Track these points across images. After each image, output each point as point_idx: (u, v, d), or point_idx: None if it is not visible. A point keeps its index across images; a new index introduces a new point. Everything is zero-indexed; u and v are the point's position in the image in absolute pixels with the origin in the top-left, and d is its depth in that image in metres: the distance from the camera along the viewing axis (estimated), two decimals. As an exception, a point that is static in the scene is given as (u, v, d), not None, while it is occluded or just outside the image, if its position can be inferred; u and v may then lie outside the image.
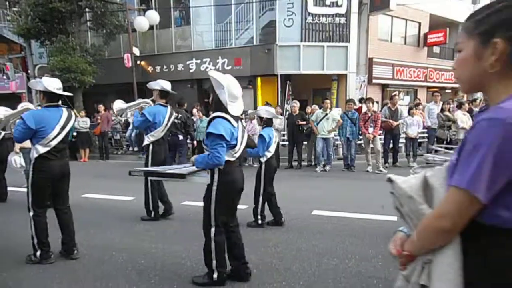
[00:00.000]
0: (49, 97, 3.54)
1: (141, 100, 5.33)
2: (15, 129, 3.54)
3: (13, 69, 17.21)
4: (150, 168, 3.93)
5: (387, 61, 15.52)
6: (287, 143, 10.16)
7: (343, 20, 13.88)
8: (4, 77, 17.48)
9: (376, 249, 3.74)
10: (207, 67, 14.69)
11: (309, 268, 3.39)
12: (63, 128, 3.53)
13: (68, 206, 3.78)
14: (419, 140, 10.30)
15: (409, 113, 9.74)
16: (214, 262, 3.00)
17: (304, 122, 9.44)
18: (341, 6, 13.73)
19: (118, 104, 5.44)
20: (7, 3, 16.91)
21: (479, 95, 19.07)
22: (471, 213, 0.99)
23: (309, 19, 13.70)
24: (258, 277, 3.22)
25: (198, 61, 14.87)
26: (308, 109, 10.22)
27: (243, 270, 3.14)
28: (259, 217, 4.68)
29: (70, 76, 12.87)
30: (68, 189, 3.79)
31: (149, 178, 3.34)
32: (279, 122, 9.72)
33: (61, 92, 3.58)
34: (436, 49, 18.39)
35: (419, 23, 17.26)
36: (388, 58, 15.51)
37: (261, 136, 4.50)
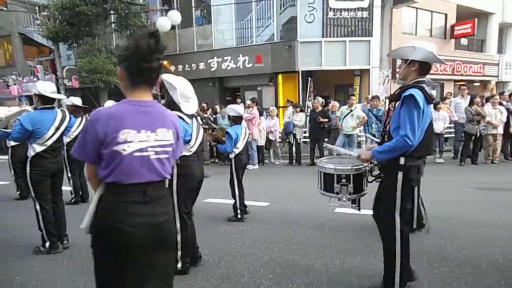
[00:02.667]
0: (44, 100, 3.75)
1: None
2: (13, 129, 3.79)
3: (43, 71, 17.88)
4: None
5: (412, 55, 15.09)
6: (308, 140, 10.08)
7: (365, 14, 13.62)
8: (35, 79, 18.19)
9: (400, 247, 3.66)
10: (228, 65, 14.79)
11: (332, 266, 3.37)
12: (57, 128, 3.78)
13: (61, 199, 4.03)
14: (445, 136, 10.01)
15: (435, 108, 9.43)
16: (179, 253, 3.16)
17: (326, 120, 9.31)
18: (363, 0, 13.49)
19: (108, 105, 5.67)
20: (36, 8, 17.58)
21: (510, 88, 18.31)
22: (92, 171, 1.70)
23: (331, 14, 13.52)
24: (281, 274, 3.24)
25: (220, 59, 14.97)
26: (330, 106, 10.11)
27: (194, 254, 3.36)
28: (238, 211, 4.80)
29: (96, 77, 13.28)
30: (62, 184, 4.03)
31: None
32: (299, 118, 9.67)
33: (55, 95, 3.80)
34: (464, 41, 17.72)
35: (446, 15, 16.67)
36: (413, 51, 15.08)
37: (228, 133, 4.80)
